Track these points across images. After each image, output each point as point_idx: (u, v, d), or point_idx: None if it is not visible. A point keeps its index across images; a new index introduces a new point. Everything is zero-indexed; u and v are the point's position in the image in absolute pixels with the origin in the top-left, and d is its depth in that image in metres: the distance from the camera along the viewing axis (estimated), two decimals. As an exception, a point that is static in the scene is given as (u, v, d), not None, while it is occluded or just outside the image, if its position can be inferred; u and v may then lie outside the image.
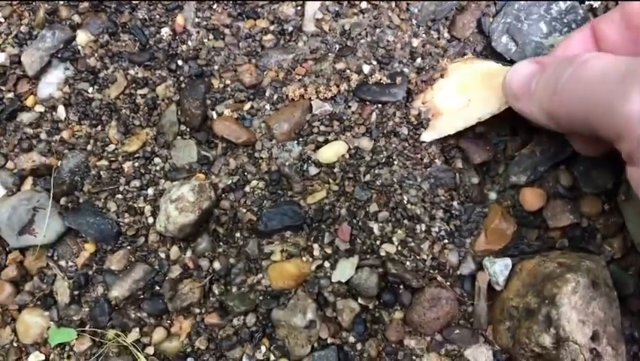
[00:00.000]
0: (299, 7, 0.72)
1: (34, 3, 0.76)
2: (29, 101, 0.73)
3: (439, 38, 0.70)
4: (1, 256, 0.69)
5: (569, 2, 0.69)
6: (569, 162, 0.64)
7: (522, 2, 0.69)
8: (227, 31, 0.72)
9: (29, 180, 0.71)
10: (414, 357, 0.62)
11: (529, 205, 0.64)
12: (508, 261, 0.63)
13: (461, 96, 0.65)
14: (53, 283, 0.68)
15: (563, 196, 0.64)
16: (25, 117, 0.72)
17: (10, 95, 0.73)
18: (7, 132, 0.72)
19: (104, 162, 0.69)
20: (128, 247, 0.67)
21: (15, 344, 0.67)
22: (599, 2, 0.70)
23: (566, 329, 0.55)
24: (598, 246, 0.64)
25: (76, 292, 0.67)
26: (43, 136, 0.71)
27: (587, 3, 0.70)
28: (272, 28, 0.72)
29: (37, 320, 0.67)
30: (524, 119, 0.58)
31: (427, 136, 0.65)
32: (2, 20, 0.76)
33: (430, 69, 0.68)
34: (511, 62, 0.65)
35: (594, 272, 0.58)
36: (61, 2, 0.75)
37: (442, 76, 0.67)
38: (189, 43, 0.72)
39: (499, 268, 0.62)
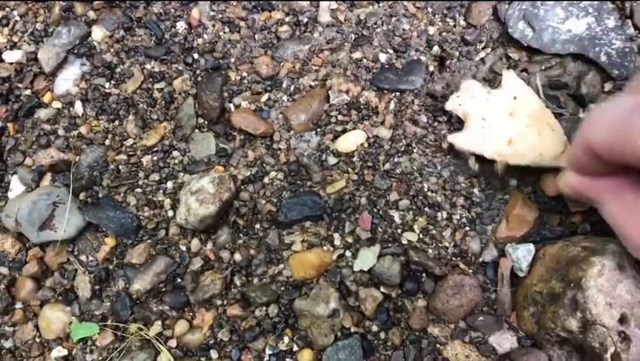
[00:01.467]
0: (314, -2, 0.72)
1: (49, 1, 0.76)
2: (46, 98, 0.73)
3: (455, 26, 0.70)
4: (22, 252, 0.69)
5: (585, -12, 0.69)
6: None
7: (538, -12, 0.69)
8: (242, 23, 0.72)
9: (48, 176, 0.71)
10: (438, 345, 0.62)
11: (550, 191, 0.64)
12: (530, 246, 0.62)
13: (507, 123, 0.63)
14: (74, 278, 0.68)
15: (584, 181, 0.64)
16: (42, 114, 0.72)
17: (28, 92, 0.73)
18: (25, 129, 0.73)
19: (123, 157, 0.69)
20: (149, 241, 0.67)
21: (37, 340, 0.67)
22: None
23: (593, 312, 0.54)
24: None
25: (97, 287, 0.67)
26: (60, 132, 0.72)
27: (603, -11, 0.69)
28: (287, 19, 0.72)
29: (59, 315, 0.67)
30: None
31: (456, 140, 0.63)
32: (18, 18, 0.76)
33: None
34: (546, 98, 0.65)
35: (620, 255, 0.57)
36: (76, -1, 0.75)
37: (494, 84, 0.66)
38: (205, 36, 0.72)
39: (522, 254, 0.62)
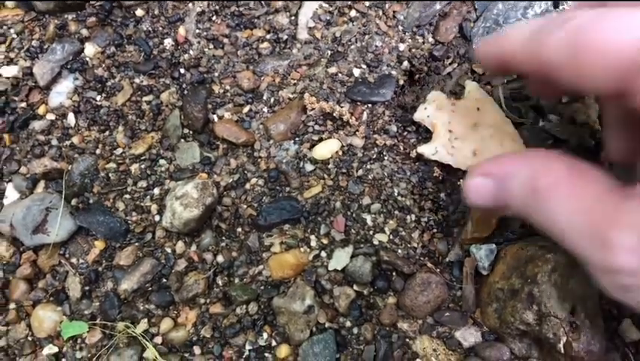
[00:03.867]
0: (293, 17, 0.77)
1: (44, 19, 0.81)
2: (41, 110, 0.77)
3: (424, 43, 0.75)
4: (16, 255, 0.73)
5: (543, 6, 0.75)
6: (547, 154, 0.69)
7: (500, 7, 0.75)
8: (226, 40, 0.77)
9: (42, 184, 0.75)
10: (407, 340, 0.66)
11: (511, 195, 0.69)
12: (493, 247, 0.67)
13: (472, 134, 0.67)
14: (65, 280, 0.72)
15: (543, 186, 0.68)
16: (37, 125, 0.77)
17: (23, 104, 0.78)
18: (20, 140, 0.77)
19: (113, 165, 0.74)
20: (136, 244, 0.71)
21: (30, 338, 0.71)
22: (572, 4, 0.75)
23: (547, 305, 0.59)
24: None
25: (87, 288, 0.71)
26: (54, 142, 0.76)
27: (560, 8, 0.75)
28: (268, 36, 0.77)
29: (51, 314, 0.71)
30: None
31: (424, 150, 0.68)
32: (15, 36, 0.81)
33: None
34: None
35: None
36: (70, 17, 0.80)
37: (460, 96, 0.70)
38: (191, 52, 0.77)
39: (484, 254, 0.66)
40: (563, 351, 0.58)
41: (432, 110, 0.68)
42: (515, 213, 0.45)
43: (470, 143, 0.66)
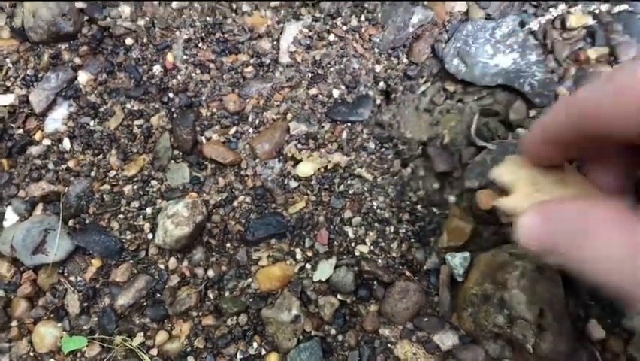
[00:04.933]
0: (275, 42, 0.82)
1: (38, 48, 0.85)
2: (37, 136, 0.81)
3: (398, 64, 0.80)
4: (17, 275, 0.77)
5: (510, 26, 0.79)
6: (516, 166, 0.73)
7: (470, 28, 0.79)
8: (212, 65, 0.81)
9: (40, 206, 0.79)
10: (389, 345, 0.70)
11: (483, 205, 0.73)
12: (467, 254, 0.71)
13: (555, 189, 0.63)
14: (64, 297, 0.76)
15: (513, 196, 0.73)
16: (34, 150, 0.81)
17: (20, 131, 0.82)
18: (18, 164, 0.81)
19: (107, 187, 0.78)
20: (131, 261, 0.75)
21: (32, 354, 0.75)
22: (537, 25, 0.80)
23: (517, 308, 0.63)
24: (546, 238, 0.72)
25: (85, 304, 0.75)
26: (50, 166, 0.80)
27: (526, 27, 0.80)
28: (252, 61, 0.81)
29: (51, 330, 0.75)
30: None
31: (503, 205, 0.67)
32: (10, 65, 0.85)
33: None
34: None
35: (539, 259, 0.66)
36: (63, 47, 0.84)
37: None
38: (179, 77, 0.81)
39: (459, 262, 0.71)
40: (531, 351, 0.62)
41: (512, 168, 0.67)
42: (557, 255, 0.43)
43: (554, 193, 0.67)
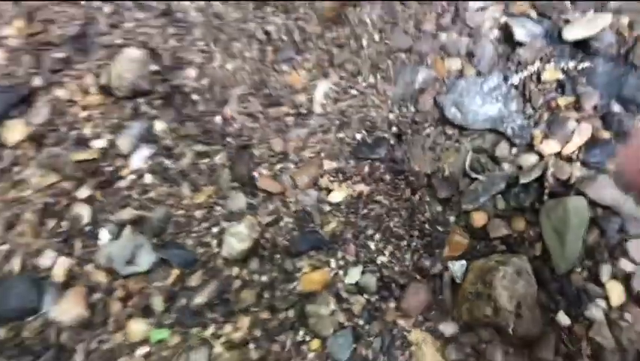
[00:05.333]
0: (309, 96, 1.04)
1: (120, 102, 1.07)
2: (124, 172, 1.03)
3: (407, 112, 1.02)
4: (112, 282, 0.99)
5: (496, 81, 1.01)
6: (502, 193, 0.95)
7: (463, 83, 1.01)
8: (260, 115, 1.03)
9: (128, 228, 1.01)
10: (404, 332, 0.91)
11: (477, 223, 0.94)
12: (464, 262, 0.92)
13: None
14: (151, 299, 0.97)
15: (499, 216, 0.94)
16: (121, 184, 1.03)
17: (110, 168, 1.04)
18: (108, 195, 1.03)
19: (181, 212, 1.00)
20: (203, 270, 0.97)
21: (126, 343, 0.96)
22: (517, 80, 1.01)
23: (500, 302, 0.84)
24: (526, 248, 0.93)
25: (167, 304, 0.96)
26: (135, 196, 1.02)
27: (509, 81, 1.01)
28: (291, 111, 1.03)
29: (141, 325, 0.96)
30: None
31: None
32: (98, 116, 1.07)
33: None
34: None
35: (519, 265, 0.87)
36: (141, 100, 1.07)
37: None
38: (235, 125, 1.03)
39: (458, 267, 0.92)
40: (512, 334, 0.83)
41: None
42: None
43: None
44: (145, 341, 0.95)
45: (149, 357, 0.95)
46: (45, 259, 1.00)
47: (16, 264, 1.01)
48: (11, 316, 0.99)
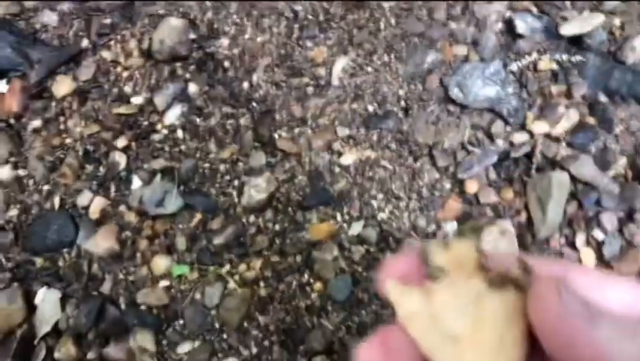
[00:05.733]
0: (328, 70, 1.16)
1: (159, 65, 1.20)
2: (158, 127, 1.16)
3: (415, 89, 1.13)
4: (140, 223, 1.11)
5: (496, 67, 1.12)
6: (494, 166, 1.06)
7: (467, 67, 1.12)
8: (283, 84, 1.16)
9: (158, 176, 1.13)
10: (398, 281, 1.02)
11: (470, 191, 1.06)
12: (454, 223, 1.03)
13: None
14: (175, 238, 1.09)
15: (490, 185, 1.05)
16: (155, 137, 1.15)
17: (146, 123, 1.16)
18: (143, 146, 1.15)
19: (207, 165, 1.12)
20: (223, 215, 1.09)
21: (150, 276, 1.08)
22: (516, 67, 1.12)
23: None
24: (512, 215, 1.04)
25: (189, 243, 1.08)
26: (167, 149, 1.14)
27: (508, 68, 1.12)
28: (311, 82, 1.15)
29: (165, 260, 1.08)
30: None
31: None
32: (139, 76, 1.20)
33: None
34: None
35: (503, 226, 0.98)
36: (178, 64, 1.19)
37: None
38: (260, 92, 1.15)
39: (449, 227, 1.03)
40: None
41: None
42: None
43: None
44: (167, 275, 1.08)
45: (170, 289, 1.07)
46: (82, 199, 1.13)
47: (56, 202, 1.14)
48: (50, 247, 1.11)
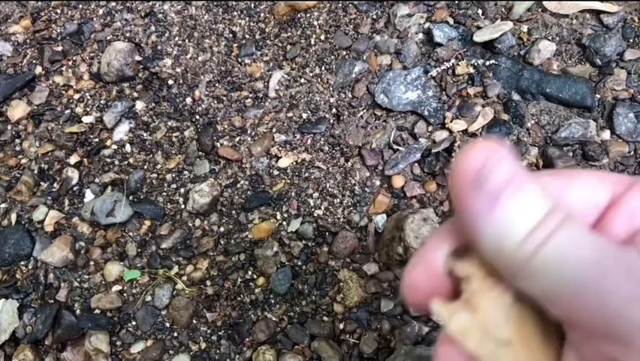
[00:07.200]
0: (265, 83, 1.25)
1: (108, 86, 1.28)
2: (108, 143, 1.24)
3: (345, 97, 1.23)
4: (93, 233, 1.18)
5: (417, 73, 1.23)
6: (418, 162, 1.16)
7: (391, 75, 1.23)
8: (224, 98, 1.25)
9: (109, 188, 1.20)
10: (334, 271, 1.10)
11: (396, 185, 1.15)
12: (384, 216, 1.12)
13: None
14: (125, 245, 1.16)
15: (415, 180, 1.15)
16: (105, 152, 1.23)
17: (96, 139, 1.24)
18: (94, 162, 1.23)
19: (155, 175, 1.20)
20: (170, 221, 1.16)
21: (103, 282, 1.14)
22: (436, 72, 1.23)
23: (408, 241, 1.04)
24: (436, 205, 1.14)
25: (139, 249, 1.15)
26: (116, 162, 1.22)
27: (428, 74, 1.23)
28: (250, 95, 1.25)
29: (117, 267, 1.15)
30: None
31: None
32: (89, 97, 1.28)
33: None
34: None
35: (425, 214, 1.07)
36: (125, 85, 1.28)
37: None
38: (203, 106, 1.24)
39: (380, 220, 1.12)
40: (417, 267, 1.03)
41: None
42: None
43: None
44: (119, 280, 1.14)
45: (122, 293, 1.13)
46: (38, 214, 1.19)
47: (13, 218, 1.20)
48: (7, 260, 1.17)
